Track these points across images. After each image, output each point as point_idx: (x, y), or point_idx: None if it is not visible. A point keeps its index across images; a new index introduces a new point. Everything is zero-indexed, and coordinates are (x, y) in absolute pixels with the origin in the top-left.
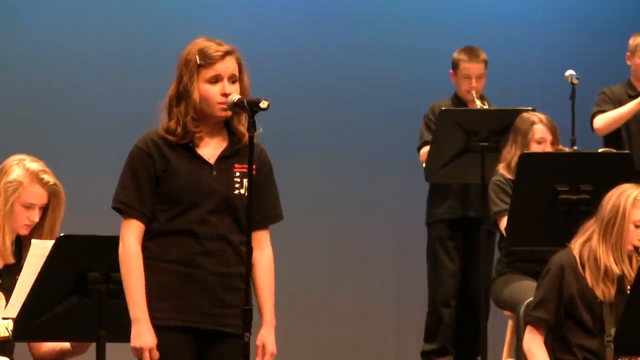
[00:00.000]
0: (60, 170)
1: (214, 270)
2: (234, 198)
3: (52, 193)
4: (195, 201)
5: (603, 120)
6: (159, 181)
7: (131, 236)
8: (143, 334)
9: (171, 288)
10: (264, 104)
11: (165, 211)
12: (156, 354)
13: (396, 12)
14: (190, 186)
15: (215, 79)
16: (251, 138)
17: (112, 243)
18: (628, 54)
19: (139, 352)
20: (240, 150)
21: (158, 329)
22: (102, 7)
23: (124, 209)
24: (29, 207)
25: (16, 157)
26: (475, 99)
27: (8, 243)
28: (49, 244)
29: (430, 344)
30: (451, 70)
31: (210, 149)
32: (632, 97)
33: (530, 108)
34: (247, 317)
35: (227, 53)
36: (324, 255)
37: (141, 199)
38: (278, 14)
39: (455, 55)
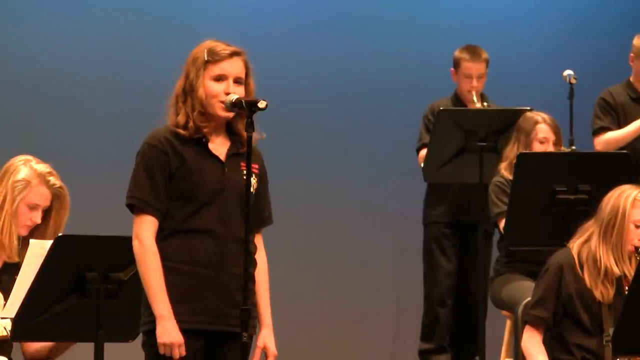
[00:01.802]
0: (59, 170)
1: (228, 271)
2: (244, 196)
3: (57, 196)
4: (210, 198)
5: (605, 144)
6: (172, 178)
7: (147, 232)
8: (171, 330)
9: (188, 290)
10: (262, 104)
11: (180, 208)
12: (184, 350)
13: (395, 14)
14: (205, 182)
15: (221, 77)
16: (249, 138)
17: (110, 243)
18: (632, 54)
19: (168, 348)
20: (243, 152)
21: None
22: (103, 6)
23: (139, 204)
24: (33, 207)
25: (22, 158)
26: (475, 100)
27: (14, 241)
28: (48, 243)
29: (427, 343)
30: (452, 69)
31: (218, 147)
32: (634, 100)
33: (528, 108)
34: (245, 316)
35: (234, 53)
36: (323, 258)
37: (156, 195)
38: (277, 17)
39: (457, 53)
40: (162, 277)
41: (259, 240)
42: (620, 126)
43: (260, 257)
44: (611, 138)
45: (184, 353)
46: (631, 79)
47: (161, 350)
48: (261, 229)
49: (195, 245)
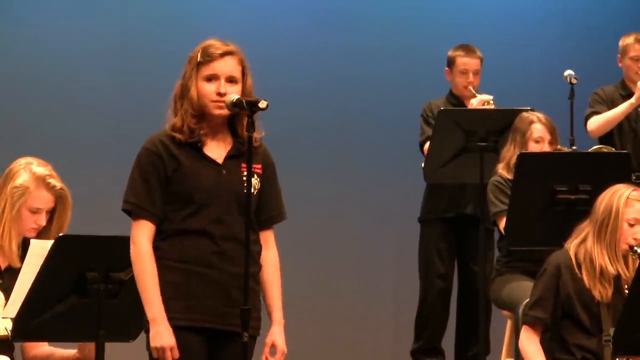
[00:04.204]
0: (60, 170)
1: (227, 270)
2: (244, 197)
3: (59, 197)
4: (207, 201)
5: (596, 123)
6: (169, 181)
7: (143, 236)
8: (163, 334)
9: (184, 288)
10: (262, 104)
11: (178, 211)
12: (177, 353)
13: (394, 13)
14: (201, 186)
15: (212, 77)
16: (250, 138)
17: (111, 243)
18: (619, 55)
19: (160, 352)
20: (245, 153)
21: (171, 329)
22: (103, 6)
23: (134, 209)
24: (35, 211)
25: (23, 161)
26: (474, 93)
27: (14, 247)
28: (48, 243)
29: (420, 343)
30: (446, 68)
31: (216, 149)
32: (623, 97)
33: (528, 108)
34: (245, 316)
35: (227, 53)
36: (323, 256)
37: (151, 200)
38: (277, 15)
39: (451, 52)
40: (157, 281)
41: (269, 238)
42: None
43: (270, 255)
44: (602, 116)
45: (176, 356)
46: (623, 77)
47: (154, 354)
48: (271, 227)
49: (192, 245)
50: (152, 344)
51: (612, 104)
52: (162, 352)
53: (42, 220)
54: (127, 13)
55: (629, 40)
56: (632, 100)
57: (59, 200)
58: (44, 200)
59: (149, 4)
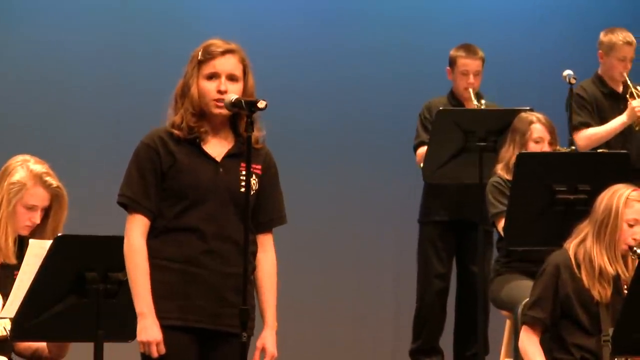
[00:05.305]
0: (59, 169)
1: (218, 270)
2: (240, 197)
3: (55, 195)
4: (201, 198)
5: (586, 139)
6: (164, 177)
7: (136, 231)
8: (149, 328)
9: (175, 287)
10: (261, 104)
11: (171, 207)
12: (163, 348)
13: (394, 12)
14: (195, 182)
15: (213, 75)
16: (249, 138)
17: (110, 243)
18: (600, 51)
19: (146, 346)
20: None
21: (161, 328)
22: (103, 6)
23: (131, 204)
24: (31, 208)
25: (20, 158)
26: (472, 98)
27: (10, 243)
28: (47, 243)
29: (418, 343)
30: (448, 67)
31: (216, 147)
32: (605, 95)
33: (528, 108)
34: (244, 316)
35: (227, 51)
36: (323, 257)
37: (147, 195)
38: (277, 15)
39: (453, 52)
40: (147, 275)
41: (267, 241)
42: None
43: (268, 258)
44: (593, 134)
45: (162, 351)
46: (600, 72)
47: (140, 348)
48: (270, 230)
49: (182, 243)
50: (139, 338)
51: (595, 103)
52: (148, 347)
53: (37, 218)
54: (127, 13)
55: (616, 39)
56: (624, 118)
57: (55, 199)
58: (40, 197)
59: (148, 4)
